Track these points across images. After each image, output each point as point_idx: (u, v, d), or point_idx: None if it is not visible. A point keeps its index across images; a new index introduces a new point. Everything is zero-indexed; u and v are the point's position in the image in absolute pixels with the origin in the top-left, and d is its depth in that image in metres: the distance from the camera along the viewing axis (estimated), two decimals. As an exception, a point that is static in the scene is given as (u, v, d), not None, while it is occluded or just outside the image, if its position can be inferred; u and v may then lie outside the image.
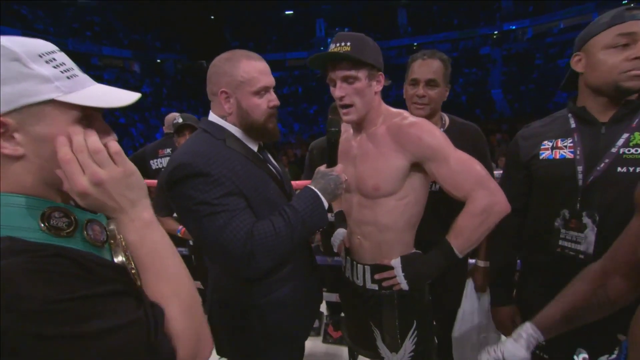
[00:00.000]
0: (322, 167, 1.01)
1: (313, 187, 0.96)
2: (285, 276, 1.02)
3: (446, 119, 1.44)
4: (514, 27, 22.55)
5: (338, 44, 0.97)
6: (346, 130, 1.16)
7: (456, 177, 0.95)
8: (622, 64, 0.86)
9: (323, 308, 2.44)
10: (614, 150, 0.91)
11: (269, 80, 1.00)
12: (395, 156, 0.99)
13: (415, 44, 24.62)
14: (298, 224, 0.90)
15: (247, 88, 0.96)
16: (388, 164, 1.00)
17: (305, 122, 20.72)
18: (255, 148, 1.03)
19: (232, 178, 0.89)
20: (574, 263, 0.96)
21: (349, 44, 0.95)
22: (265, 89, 0.99)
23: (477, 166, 0.96)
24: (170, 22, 24.50)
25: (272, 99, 1.01)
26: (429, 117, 1.35)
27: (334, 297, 2.06)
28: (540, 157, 1.03)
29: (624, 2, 18.59)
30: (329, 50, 0.98)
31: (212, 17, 26.00)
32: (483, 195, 0.93)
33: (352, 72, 0.98)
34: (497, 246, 1.22)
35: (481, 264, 1.36)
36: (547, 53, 20.24)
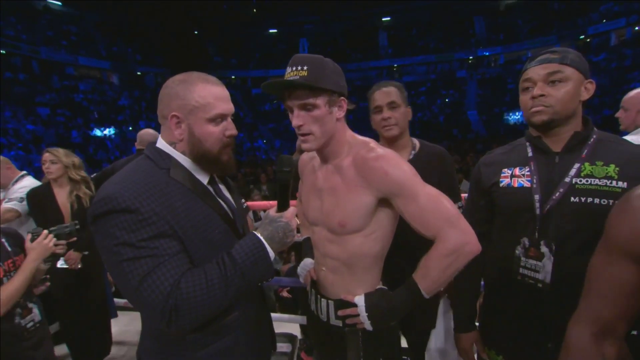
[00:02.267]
0: (272, 211, 0.91)
1: (259, 235, 0.85)
2: (229, 324, 0.88)
3: (417, 143, 1.51)
4: (487, 54, 23.91)
5: (295, 68, 0.90)
6: (312, 158, 1.10)
7: (425, 215, 0.88)
8: (527, 103, 0.99)
9: (297, 331, 2.36)
10: (567, 179, 0.94)
11: (227, 107, 0.89)
12: (362, 192, 0.92)
13: (395, 65, 25.58)
14: (236, 277, 0.78)
15: (201, 114, 0.85)
16: (354, 199, 0.93)
17: (287, 139, 20.75)
18: (205, 179, 0.92)
19: (167, 216, 0.77)
20: (534, 291, 0.98)
21: (305, 68, 0.89)
22: (222, 117, 0.88)
23: (447, 203, 0.89)
24: (153, 35, 24.40)
25: (229, 127, 0.90)
26: (399, 137, 1.44)
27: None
28: (500, 185, 1.05)
29: (580, 37, 20.30)
30: (286, 74, 0.91)
31: (196, 32, 26.08)
32: (453, 235, 0.87)
33: (310, 100, 0.90)
34: (460, 273, 1.22)
35: None
36: (518, 78, 21.35)
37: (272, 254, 0.85)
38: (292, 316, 2.38)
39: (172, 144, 0.89)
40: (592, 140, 0.97)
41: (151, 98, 22.56)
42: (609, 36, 19.43)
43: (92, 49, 22.00)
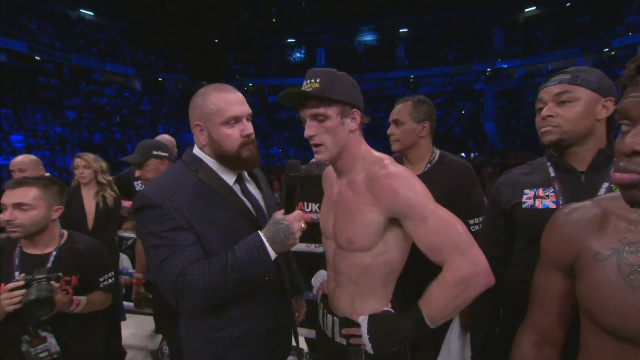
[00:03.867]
0: (278, 213, 0.94)
1: (261, 234, 0.92)
2: (243, 314, 0.99)
3: (436, 154, 1.52)
4: (505, 66, 23.58)
5: (308, 81, 0.93)
6: (332, 173, 1.10)
7: (433, 238, 0.84)
8: (538, 123, 1.00)
9: (303, 344, 2.32)
10: None
11: (239, 109, 0.98)
12: (371, 209, 0.90)
13: (411, 76, 25.52)
14: (235, 270, 0.88)
15: (216, 119, 0.97)
16: (363, 217, 0.91)
17: (301, 147, 20.90)
18: (232, 180, 1.03)
19: (185, 212, 0.91)
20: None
21: (318, 80, 0.91)
22: (235, 119, 0.98)
23: (459, 227, 0.84)
24: (175, 43, 25.24)
25: (244, 128, 1.00)
26: (408, 151, 1.50)
27: (313, 333, 1.95)
28: (523, 206, 1.01)
29: (605, 49, 19.79)
30: (302, 87, 0.94)
31: (216, 40, 26.85)
32: (462, 264, 0.81)
33: (321, 110, 0.92)
34: (478, 298, 1.18)
35: None
36: (537, 92, 20.96)
37: (272, 254, 0.91)
38: (299, 329, 2.36)
39: (201, 148, 1.03)
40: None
41: (170, 103, 23.24)
42: (635, 49, 18.86)
43: (118, 56, 22.96)
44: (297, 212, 0.94)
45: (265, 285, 1.01)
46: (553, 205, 0.96)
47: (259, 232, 0.92)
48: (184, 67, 26.04)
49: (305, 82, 0.94)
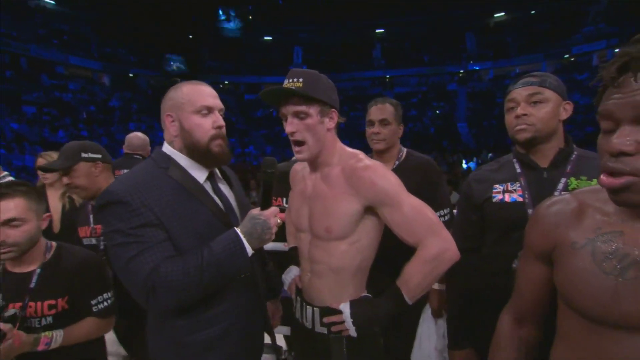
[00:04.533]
0: (254, 210, 0.98)
1: (238, 230, 0.93)
2: (216, 315, 0.96)
3: (404, 152, 1.63)
4: (477, 68, 24.51)
5: (290, 80, 0.97)
6: (303, 168, 1.15)
7: (409, 223, 0.94)
8: (512, 122, 1.07)
9: (281, 342, 2.32)
10: (556, 193, 0.99)
11: (212, 101, 1.00)
12: (349, 199, 0.97)
13: (387, 76, 25.95)
14: (211, 266, 0.86)
15: (188, 108, 0.97)
16: (341, 206, 0.98)
17: (278, 145, 20.75)
18: (203, 177, 1.01)
19: (154, 209, 0.88)
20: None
21: (301, 80, 0.96)
22: (208, 109, 0.99)
23: (429, 213, 0.95)
24: (147, 38, 24.23)
25: (216, 120, 1.00)
26: (386, 150, 1.58)
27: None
28: (493, 200, 1.09)
29: (565, 56, 21.08)
30: (283, 86, 0.97)
31: (191, 36, 26.06)
32: (435, 242, 0.92)
33: (303, 108, 0.97)
34: (453, 289, 1.24)
35: (436, 286, 1.43)
36: (506, 93, 22.01)
37: (249, 249, 0.92)
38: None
39: (171, 143, 1.00)
40: (574, 156, 1.03)
41: (142, 100, 22.34)
42: (592, 57, 20.19)
43: (84, 49, 21.74)
44: (273, 208, 0.98)
45: (239, 286, 1.00)
46: (520, 199, 1.04)
47: (235, 228, 0.93)
48: (157, 63, 25.10)
49: (287, 81, 0.98)
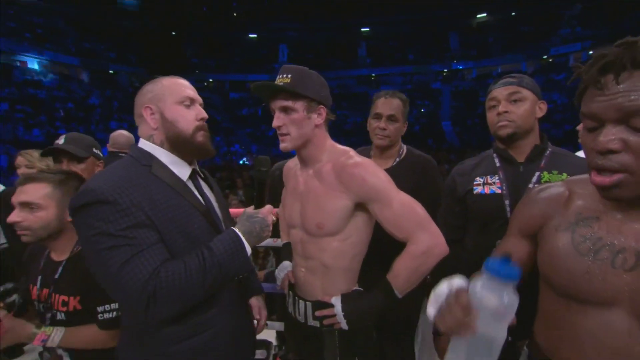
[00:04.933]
0: (249, 209, 0.98)
1: (236, 230, 0.90)
2: (206, 320, 0.90)
3: (404, 149, 1.59)
4: (461, 67, 25.01)
5: (281, 76, 1.00)
6: (295, 165, 1.17)
7: (398, 219, 0.96)
8: (493, 119, 1.14)
9: (272, 338, 2.34)
10: (530, 185, 1.07)
11: (194, 94, 0.97)
12: (339, 196, 0.99)
13: (373, 74, 26.14)
14: (213, 267, 0.82)
15: (170, 98, 0.93)
16: (332, 203, 1.00)
17: (264, 144, 20.60)
18: (186, 175, 0.96)
19: (145, 208, 0.81)
20: None
21: (289, 76, 0.98)
22: (190, 100, 0.96)
23: (418, 209, 0.98)
24: (128, 34, 23.54)
25: (199, 112, 0.97)
26: (388, 147, 1.53)
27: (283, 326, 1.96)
28: (474, 192, 1.15)
29: (544, 56, 21.79)
30: (275, 81, 1.00)
31: (173, 32, 25.49)
32: (424, 237, 0.95)
33: (289, 103, 1.00)
34: (437, 278, 1.29)
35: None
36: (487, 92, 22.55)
37: (249, 248, 0.89)
38: (268, 322, 2.36)
39: (150, 137, 0.94)
40: (548, 152, 1.11)
41: (123, 97, 21.72)
42: (568, 58, 20.94)
43: (60, 44, 20.90)
44: (268, 206, 0.99)
45: (225, 288, 0.95)
46: (499, 191, 1.11)
47: (233, 228, 0.92)
48: (138, 60, 24.42)
49: (278, 77, 1.01)
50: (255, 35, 27.26)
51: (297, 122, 1.01)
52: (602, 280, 0.62)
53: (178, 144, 0.93)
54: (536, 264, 0.79)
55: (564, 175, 1.05)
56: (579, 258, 0.65)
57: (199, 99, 0.99)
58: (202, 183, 1.03)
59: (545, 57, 21.99)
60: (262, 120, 23.45)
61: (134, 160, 0.91)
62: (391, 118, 1.49)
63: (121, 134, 2.43)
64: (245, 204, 4.62)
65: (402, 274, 0.96)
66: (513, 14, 23.39)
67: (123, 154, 2.38)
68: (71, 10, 21.02)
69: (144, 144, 0.95)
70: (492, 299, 0.58)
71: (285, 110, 1.01)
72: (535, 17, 22.41)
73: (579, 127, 2.50)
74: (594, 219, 0.67)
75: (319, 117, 1.04)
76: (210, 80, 26.33)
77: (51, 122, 16.34)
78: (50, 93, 18.29)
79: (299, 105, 1.00)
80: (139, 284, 0.75)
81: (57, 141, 1.50)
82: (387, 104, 1.50)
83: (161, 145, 0.94)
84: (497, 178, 1.13)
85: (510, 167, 1.13)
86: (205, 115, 0.97)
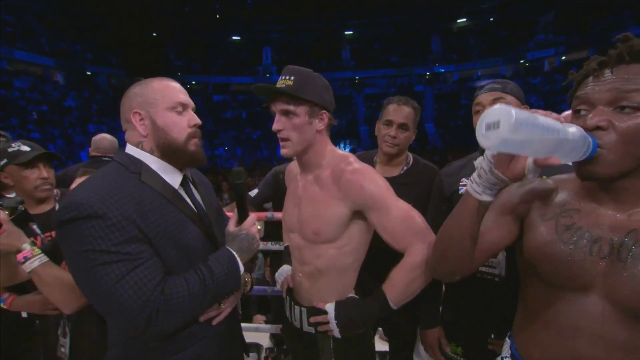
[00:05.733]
0: (231, 227, 0.95)
1: (230, 249, 0.91)
2: (197, 331, 0.88)
3: (411, 158, 1.56)
4: (442, 70, 25.57)
5: (283, 77, 0.97)
6: (297, 169, 1.15)
7: (396, 228, 0.93)
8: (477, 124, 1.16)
9: (265, 340, 2.33)
10: None
11: (185, 98, 0.92)
12: (337, 203, 0.97)
13: (357, 77, 26.37)
14: (212, 286, 0.82)
15: (162, 104, 0.87)
16: (329, 210, 0.98)
17: (249, 147, 20.44)
18: (176, 182, 0.92)
19: (136, 221, 0.77)
20: (491, 285, 1.11)
21: (292, 78, 0.95)
22: (183, 106, 0.91)
23: (417, 218, 0.95)
24: (106, 34, 22.87)
25: (192, 118, 0.92)
26: (396, 155, 1.48)
27: (277, 328, 2.00)
28: (460, 192, 1.18)
29: (521, 61, 22.62)
30: (277, 83, 0.98)
31: (155, 34, 24.96)
32: (421, 249, 0.91)
33: (291, 107, 0.97)
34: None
35: None
36: (470, 95, 23.08)
37: (241, 267, 0.90)
38: (259, 325, 2.35)
39: (139, 144, 0.89)
40: None
41: (103, 100, 21.07)
42: (543, 63, 21.82)
43: (33, 43, 20.04)
44: (251, 217, 0.96)
45: None
46: None
47: (227, 247, 0.91)
48: (118, 62, 23.76)
49: (280, 78, 0.97)
50: (239, 37, 27.03)
51: (298, 126, 0.98)
52: (580, 267, 0.67)
53: (169, 153, 0.89)
54: (519, 256, 0.83)
55: (543, 178, 1.09)
56: (561, 246, 0.70)
57: (191, 103, 0.94)
58: (193, 189, 1.00)
59: (522, 61, 22.80)
60: (246, 123, 23.24)
61: (121, 167, 0.86)
62: (402, 127, 1.45)
63: (104, 138, 2.37)
64: (231, 208, 4.56)
65: (397, 285, 0.94)
66: (492, 19, 24.15)
67: (107, 159, 2.31)
68: (42, 8, 20.17)
69: (131, 150, 0.89)
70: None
71: (287, 113, 0.98)
72: (512, 22, 23.23)
73: None
74: (575, 210, 0.72)
75: (321, 122, 1.01)
76: (193, 82, 25.88)
77: (23, 125, 15.66)
78: (23, 95, 17.52)
79: (301, 109, 0.97)
80: (140, 301, 0.73)
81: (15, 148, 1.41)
82: (399, 112, 1.45)
83: (151, 152, 0.89)
84: None
85: None
86: (198, 121, 0.93)
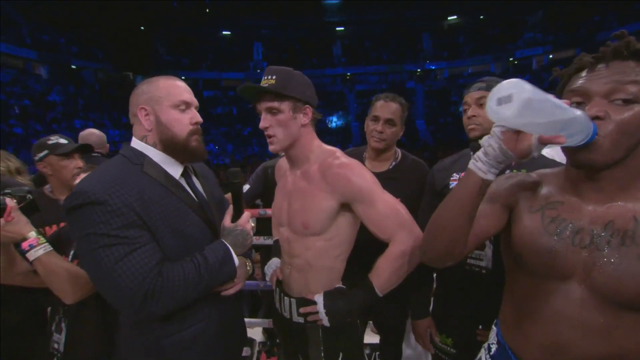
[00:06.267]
0: (226, 222, 1.00)
1: (225, 242, 0.97)
2: (197, 312, 0.95)
3: (399, 154, 1.59)
4: (433, 67, 25.77)
5: (266, 77, 1.02)
6: (286, 164, 1.20)
7: (382, 219, 0.98)
8: (465, 122, 1.23)
9: (258, 334, 2.36)
10: None
11: (189, 97, 0.99)
12: (325, 196, 1.01)
13: (348, 74, 26.38)
14: (206, 274, 0.89)
15: (166, 102, 0.95)
16: (318, 203, 1.02)
17: (239, 143, 20.30)
18: (177, 173, 0.99)
19: (136, 208, 0.84)
20: (479, 277, 1.14)
21: (274, 77, 1.01)
22: (186, 105, 0.97)
23: (401, 210, 1.00)
24: (92, 27, 22.25)
25: (194, 115, 0.99)
26: (384, 151, 1.52)
27: (270, 322, 2.01)
28: (450, 187, 1.21)
29: (510, 59, 22.98)
30: (261, 83, 1.03)
31: (142, 27, 24.42)
32: (406, 239, 0.97)
33: (275, 104, 1.02)
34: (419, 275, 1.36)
35: None
36: (460, 92, 23.45)
37: (236, 259, 0.97)
38: (252, 320, 2.36)
39: (143, 138, 0.96)
40: None
41: (89, 95, 20.57)
42: (531, 61, 22.19)
43: (13, 35, 19.33)
44: (245, 215, 1.02)
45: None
46: None
47: (223, 240, 0.97)
48: (105, 56, 23.19)
49: (263, 78, 1.03)
50: (229, 32, 26.70)
51: (284, 122, 1.03)
52: (563, 257, 0.70)
53: (171, 147, 0.96)
54: (506, 247, 0.85)
55: (523, 171, 1.14)
56: (546, 237, 0.73)
57: (195, 102, 1.00)
58: (195, 179, 1.06)
59: (511, 59, 23.14)
60: (237, 119, 23.03)
61: (125, 159, 0.93)
62: (389, 122, 1.49)
63: (92, 133, 2.34)
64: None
65: (383, 273, 0.99)
66: (482, 17, 24.41)
67: (96, 154, 2.28)
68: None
69: (136, 143, 0.97)
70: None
71: (272, 111, 1.03)
72: (502, 21, 23.53)
73: None
74: (559, 202, 0.75)
75: (305, 116, 1.06)
76: (183, 78, 25.01)
77: (5, 119, 15.19)
78: (4, 89, 16.94)
79: (285, 105, 1.02)
80: (136, 281, 0.79)
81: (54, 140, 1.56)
82: (386, 108, 1.50)
83: (154, 146, 0.96)
84: None
85: None
86: (199, 119, 0.99)
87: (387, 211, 0.98)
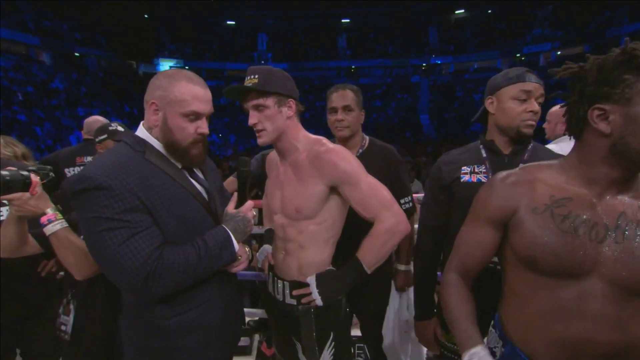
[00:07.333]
0: (230, 208, 1.04)
1: (225, 227, 0.99)
2: (197, 296, 0.97)
3: (366, 140, 1.63)
4: (439, 62, 25.51)
5: (248, 77, 1.09)
6: (277, 157, 1.26)
7: (366, 200, 1.07)
8: (522, 114, 1.13)
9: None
10: None
11: (203, 107, 0.98)
12: (315, 181, 1.09)
13: (353, 66, 26.17)
14: (206, 257, 0.92)
15: (177, 108, 0.95)
16: (308, 189, 1.10)
17: (242, 134, 20.25)
18: (179, 163, 1.01)
19: (138, 193, 0.86)
20: (492, 273, 1.09)
21: (256, 76, 1.08)
22: (196, 115, 0.97)
23: (383, 191, 1.09)
24: (96, 14, 22.09)
25: (201, 126, 0.99)
26: (350, 137, 1.57)
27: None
28: (461, 180, 1.20)
29: (517, 54, 22.66)
30: (245, 83, 1.09)
31: (146, 16, 24.21)
32: (389, 217, 1.06)
33: (261, 101, 1.09)
34: (420, 263, 1.35)
35: (402, 267, 1.61)
36: (465, 87, 23.27)
37: (236, 244, 0.99)
38: (251, 310, 2.39)
39: (149, 129, 0.99)
40: (530, 146, 1.18)
41: (92, 82, 20.52)
42: (539, 57, 21.87)
43: (16, 21, 19.19)
44: (248, 203, 1.06)
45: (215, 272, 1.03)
46: (485, 180, 1.17)
47: (223, 225, 0.99)
48: (108, 43, 23.05)
49: (247, 79, 1.10)
50: (234, 22, 26.45)
51: (270, 117, 1.10)
52: (582, 253, 0.70)
53: (171, 150, 0.98)
54: (504, 253, 0.84)
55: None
56: (562, 235, 0.72)
57: (207, 111, 0.99)
58: (197, 169, 1.08)
59: (518, 55, 22.82)
60: (239, 110, 22.70)
61: (127, 146, 0.95)
62: (346, 108, 1.53)
63: (96, 120, 2.34)
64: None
65: (370, 251, 1.07)
66: (489, 11, 24.03)
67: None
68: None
69: (141, 131, 0.99)
70: None
71: (258, 108, 1.09)
72: (510, 15, 23.15)
73: (544, 125, 2.63)
74: (567, 199, 0.74)
75: (290, 109, 1.13)
76: (187, 68, 25.35)
77: (8, 106, 15.19)
78: (7, 75, 16.90)
79: (270, 101, 1.09)
80: (138, 262, 0.83)
81: (113, 127, 1.74)
82: (340, 97, 1.55)
83: (157, 139, 0.98)
84: (483, 168, 1.19)
85: (496, 158, 1.19)
86: (205, 130, 1.00)
87: (371, 192, 1.07)
